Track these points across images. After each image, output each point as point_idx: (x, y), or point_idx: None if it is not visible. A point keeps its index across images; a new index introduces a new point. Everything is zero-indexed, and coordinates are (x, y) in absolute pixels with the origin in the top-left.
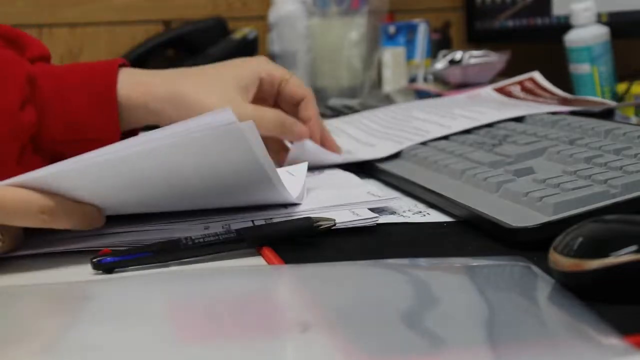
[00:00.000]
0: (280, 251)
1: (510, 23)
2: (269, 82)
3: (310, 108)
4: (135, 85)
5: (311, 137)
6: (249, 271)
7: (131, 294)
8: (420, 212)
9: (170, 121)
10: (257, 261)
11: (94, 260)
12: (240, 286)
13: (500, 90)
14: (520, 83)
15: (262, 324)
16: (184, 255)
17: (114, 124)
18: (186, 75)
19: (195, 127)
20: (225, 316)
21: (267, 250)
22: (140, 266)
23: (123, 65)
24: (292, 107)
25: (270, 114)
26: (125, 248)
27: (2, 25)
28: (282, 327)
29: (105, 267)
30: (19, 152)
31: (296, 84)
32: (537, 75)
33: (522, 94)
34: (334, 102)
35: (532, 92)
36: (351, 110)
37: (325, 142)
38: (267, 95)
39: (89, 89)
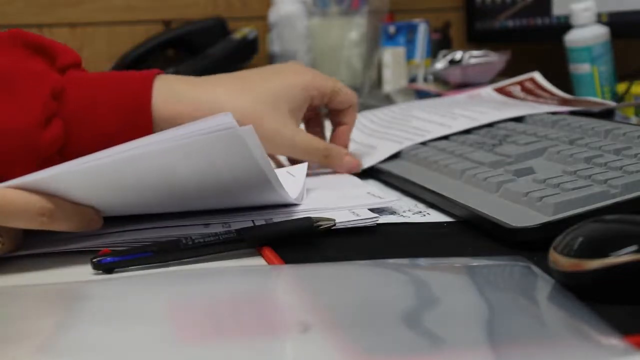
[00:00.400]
0: (280, 251)
1: (510, 23)
2: (319, 97)
3: (351, 116)
4: (170, 96)
5: (342, 142)
6: (249, 271)
7: (131, 294)
8: (420, 212)
9: None
10: (258, 261)
11: (94, 260)
12: (240, 286)
13: (501, 91)
14: (521, 83)
15: (262, 324)
16: (184, 255)
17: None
18: (232, 89)
19: (195, 131)
20: (225, 316)
21: (267, 250)
22: (140, 266)
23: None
24: (337, 112)
25: (321, 146)
26: (125, 248)
27: (32, 34)
28: (283, 327)
29: (105, 267)
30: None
31: (346, 95)
32: (537, 75)
33: (522, 94)
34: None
35: (532, 92)
36: None
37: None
38: (316, 105)
39: (122, 102)
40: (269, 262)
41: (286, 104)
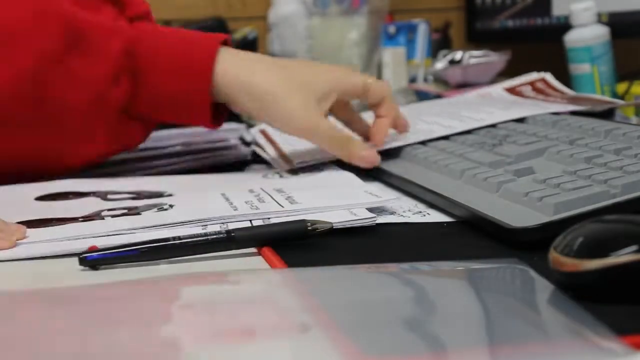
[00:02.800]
0: (280, 251)
1: (510, 23)
2: (349, 93)
3: (386, 108)
4: (229, 70)
5: (379, 133)
6: (247, 273)
7: (131, 295)
8: (420, 212)
9: (244, 110)
10: (258, 261)
11: (81, 255)
12: (240, 287)
13: (511, 91)
14: (532, 84)
15: (261, 324)
16: (171, 255)
17: (206, 107)
18: (272, 71)
19: None
20: (224, 317)
21: (267, 251)
22: (127, 264)
23: (225, 42)
24: (372, 106)
25: (339, 135)
26: (113, 245)
27: None
28: (282, 328)
29: (91, 263)
30: (106, 124)
31: (377, 90)
32: (548, 76)
33: (532, 94)
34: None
35: (542, 91)
36: None
37: (397, 127)
38: (348, 100)
39: (186, 65)
40: (270, 262)
41: (313, 92)
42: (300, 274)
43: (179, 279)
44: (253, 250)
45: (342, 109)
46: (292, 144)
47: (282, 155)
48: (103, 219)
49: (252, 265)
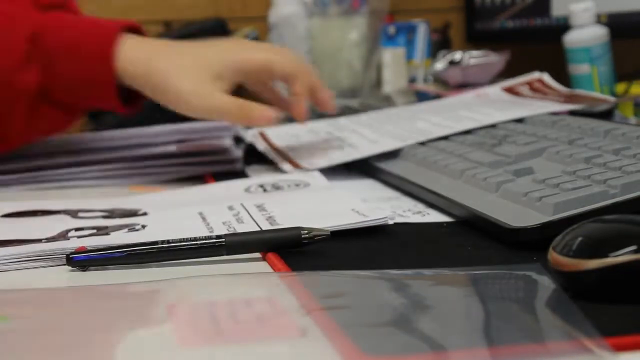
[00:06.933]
0: (282, 254)
1: (510, 23)
2: (251, 72)
3: (295, 87)
4: (129, 54)
5: (294, 114)
6: (248, 275)
7: (130, 295)
8: (420, 212)
9: (147, 93)
10: (260, 265)
11: (69, 255)
12: (240, 289)
13: (509, 90)
14: (529, 83)
15: (260, 327)
16: (159, 259)
17: (111, 90)
18: (170, 54)
19: None
20: (225, 318)
21: (270, 255)
22: (115, 266)
23: (131, 28)
24: (287, 83)
25: (231, 106)
26: (101, 246)
27: None
28: (282, 329)
29: (79, 264)
30: (20, 109)
31: (279, 69)
32: (545, 77)
33: (530, 93)
34: (334, 102)
35: (539, 90)
36: (351, 110)
37: (317, 104)
38: (255, 80)
39: (87, 51)
40: (272, 266)
41: (207, 73)
42: (302, 276)
43: (179, 280)
44: (256, 254)
45: (264, 89)
46: (293, 145)
47: (287, 158)
48: (68, 239)
49: (254, 268)
